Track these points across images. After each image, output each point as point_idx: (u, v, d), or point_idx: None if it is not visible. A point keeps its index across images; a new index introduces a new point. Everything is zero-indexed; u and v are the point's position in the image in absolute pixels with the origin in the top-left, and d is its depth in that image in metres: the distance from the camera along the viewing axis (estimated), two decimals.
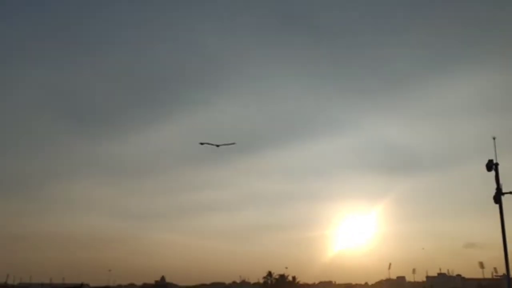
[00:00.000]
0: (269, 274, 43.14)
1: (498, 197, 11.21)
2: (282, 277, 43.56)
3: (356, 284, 42.53)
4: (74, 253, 45.65)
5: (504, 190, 11.22)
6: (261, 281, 43.69)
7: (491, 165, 11.18)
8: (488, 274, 39.28)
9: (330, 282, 44.35)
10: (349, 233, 46.05)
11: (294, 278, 43.42)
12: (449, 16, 53.79)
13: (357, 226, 45.47)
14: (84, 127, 53.60)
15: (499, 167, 11.05)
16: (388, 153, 53.83)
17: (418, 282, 43.38)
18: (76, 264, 43.95)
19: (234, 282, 44.86)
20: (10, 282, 41.29)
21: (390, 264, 43.87)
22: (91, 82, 55.15)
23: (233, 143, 17.51)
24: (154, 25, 56.57)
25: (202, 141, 17.04)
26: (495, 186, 11.13)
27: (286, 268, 42.52)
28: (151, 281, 44.33)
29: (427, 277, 44.70)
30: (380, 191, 53.34)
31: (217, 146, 15.44)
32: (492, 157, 11.15)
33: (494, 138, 11.18)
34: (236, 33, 55.42)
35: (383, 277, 45.01)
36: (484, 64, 53.49)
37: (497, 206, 11.13)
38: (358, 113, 54.14)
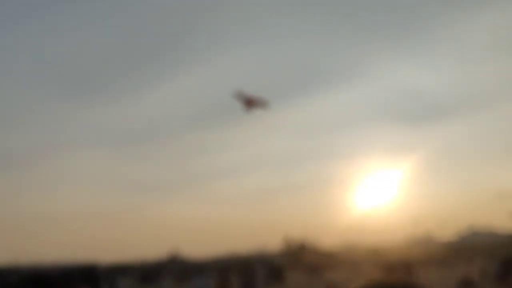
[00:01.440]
0: (287, 241, 40.77)
1: None
2: (302, 243, 41.12)
3: (383, 248, 39.92)
4: (80, 230, 42.80)
5: None
6: (280, 249, 41.33)
7: None
8: None
9: (354, 246, 41.78)
10: (373, 192, 42.73)
11: (314, 243, 40.93)
12: None
13: (380, 183, 42.06)
14: (79, 93, 49.44)
15: None
16: (411, 100, 49.37)
17: (448, 240, 40.81)
18: (83, 241, 41.21)
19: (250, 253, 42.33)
20: (18, 263, 39.23)
21: (415, 221, 41.21)
22: (84, 43, 50.19)
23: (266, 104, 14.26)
24: None
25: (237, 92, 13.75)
26: None
27: (305, 234, 39.88)
28: (163, 255, 41.88)
29: (458, 233, 42.08)
30: (403, 144, 49.48)
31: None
32: None
33: None
34: None
35: (411, 236, 42.39)
36: None
37: None
38: (375, 58, 49.27)
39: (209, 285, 18.89)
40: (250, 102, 13.23)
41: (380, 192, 46.16)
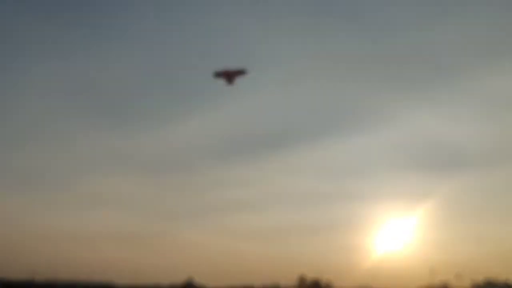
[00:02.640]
0: (302, 277, 40.91)
1: None
2: (316, 281, 41.22)
3: None
4: (100, 250, 44.10)
5: None
6: (293, 285, 41.45)
7: None
8: None
9: None
10: (388, 236, 43.08)
11: (328, 283, 41.00)
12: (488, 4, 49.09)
13: (397, 228, 42.45)
14: (110, 121, 51.71)
15: None
16: (430, 149, 50.09)
17: None
18: (102, 262, 42.37)
19: (264, 286, 42.63)
20: (36, 279, 40.38)
21: (432, 269, 41.10)
22: (117, 74, 52.85)
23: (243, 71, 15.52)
24: (180, 14, 53.95)
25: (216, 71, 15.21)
26: None
27: (320, 272, 40.08)
28: (178, 281, 42.56)
29: (473, 283, 41.77)
30: (422, 191, 49.76)
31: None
32: None
33: None
34: (262, 19, 52.07)
35: (425, 283, 42.20)
36: None
37: None
38: (396, 106, 50.27)
39: None
40: (229, 75, 14.39)
41: (397, 237, 46.41)
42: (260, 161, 48.10)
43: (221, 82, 14.45)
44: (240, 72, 14.76)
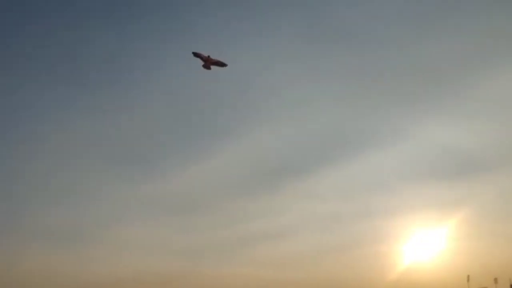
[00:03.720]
0: None
1: None
2: None
3: None
4: None
5: None
6: None
7: None
8: None
9: None
10: (419, 247, 42.64)
11: None
12: (492, 9, 49.87)
13: (427, 239, 42.09)
14: (132, 168, 53.22)
15: None
16: (448, 158, 50.06)
17: None
18: None
19: None
20: None
21: (468, 277, 40.32)
22: (134, 124, 54.78)
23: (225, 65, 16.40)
24: (185, 57, 55.49)
25: (194, 51, 16.15)
26: None
27: None
28: None
29: None
30: (446, 200, 49.49)
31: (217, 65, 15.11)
32: None
33: None
34: (268, 56, 53.67)
35: None
36: None
37: None
38: (406, 119, 50.68)
39: None
40: (208, 61, 15.05)
41: (428, 248, 45.85)
42: (282, 190, 48.68)
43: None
44: (220, 64, 15.55)
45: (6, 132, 58.37)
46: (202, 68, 15.25)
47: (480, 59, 52.81)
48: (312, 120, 55.83)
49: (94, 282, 44.58)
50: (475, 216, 45.63)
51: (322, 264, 48.95)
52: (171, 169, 54.41)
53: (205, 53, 15.16)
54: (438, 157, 53.44)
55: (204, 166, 51.14)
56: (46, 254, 47.97)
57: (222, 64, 15.70)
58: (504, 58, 52.23)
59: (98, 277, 46.67)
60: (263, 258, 49.10)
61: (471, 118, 50.75)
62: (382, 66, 55.24)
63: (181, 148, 57.56)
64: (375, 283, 45.31)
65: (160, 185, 54.19)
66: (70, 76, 57.48)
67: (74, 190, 54.97)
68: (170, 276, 48.24)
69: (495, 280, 40.59)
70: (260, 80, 55.56)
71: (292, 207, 52.33)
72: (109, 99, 58.21)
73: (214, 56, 15.17)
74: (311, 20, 52.12)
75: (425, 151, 54.32)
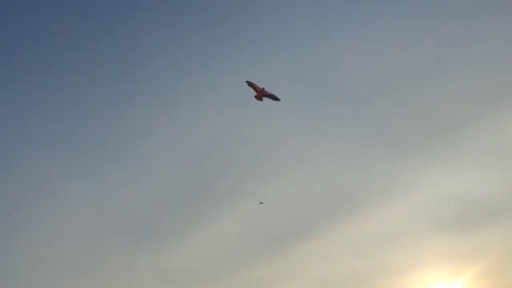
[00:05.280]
0: None
1: None
2: None
3: None
4: None
5: None
6: None
7: None
8: None
9: None
10: None
11: None
12: (486, 50, 49.90)
13: None
14: (134, 240, 51.72)
15: None
16: (459, 209, 48.32)
17: None
18: None
19: None
20: None
21: None
22: (134, 195, 53.40)
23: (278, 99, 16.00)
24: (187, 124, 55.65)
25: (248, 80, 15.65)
26: None
27: None
28: None
29: None
30: (461, 252, 46.99)
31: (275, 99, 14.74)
32: None
33: None
34: (267, 115, 53.15)
35: None
36: None
37: None
38: (415, 172, 49.50)
39: None
40: (261, 92, 14.55)
41: None
42: (293, 252, 46.91)
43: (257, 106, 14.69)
44: (273, 97, 15.15)
45: None
46: (255, 100, 14.98)
47: (486, 103, 52.05)
48: (316, 177, 54.34)
49: None
50: (491, 268, 43.53)
51: None
52: (170, 239, 52.58)
53: (260, 86, 14.98)
54: (449, 209, 51.37)
55: (204, 234, 49.31)
56: None
57: (275, 98, 15.40)
58: (505, 101, 51.57)
59: None
60: None
61: (481, 167, 49.28)
62: (386, 119, 54.50)
63: (181, 216, 55.90)
64: None
65: (160, 257, 52.03)
66: (60, 137, 56.74)
67: (68, 263, 52.70)
68: None
69: None
70: (267, 141, 54.77)
71: (301, 271, 49.85)
72: (113, 167, 57.04)
73: (268, 89, 14.97)
74: (312, 76, 52.36)
75: (435, 203, 52.33)
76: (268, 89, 16.39)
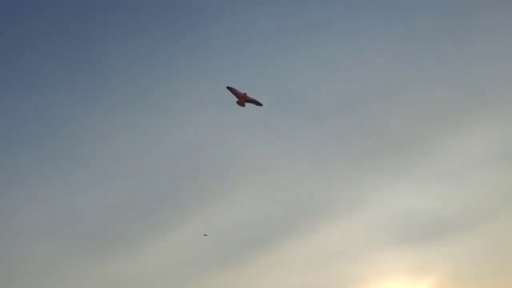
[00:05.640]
0: None
1: None
2: None
3: None
4: None
5: None
6: None
7: None
8: None
9: None
10: None
11: None
12: (450, 68, 51.47)
13: None
14: (89, 247, 50.17)
15: None
16: (415, 222, 49.65)
17: None
18: None
19: None
20: None
21: None
22: (90, 199, 52.04)
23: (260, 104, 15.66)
24: (154, 130, 54.71)
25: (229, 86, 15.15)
26: None
27: None
28: None
29: None
30: (417, 263, 48.36)
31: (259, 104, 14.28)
32: None
33: None
34: (230, 125, 53.09)
35: None
36: (501, 111, 50.60)
37: None
38: (374, 185, 50.50)
39: None
40: (243, 98, 14.16)
41: None
42: (249, 263, 46.92)
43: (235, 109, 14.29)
44: (256, 102, 14.72)
45: None
46: (236, 105, 14.49)
47: (447, 119, 53.62)
48: (278, 189, 54.84)
49: None
50: (446, 279, 44.77)
51: None
52: (125, 247, 51.36)
53: (242, 92, 14.48)
54: (406, 222, 52.75)
55: (160, 243, 48.40)
56: None
57: (257, 103, 14.93)
58: (473, 116, 53.14)
59: None
60: None
61: (437, 184, 50.84)
62: (347, 133, 55.38)
63: (136, 224, 54.79)
64: None
65: (112, 265, 50.68)
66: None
67: (28, 270, 51.02)
68: None
69: None
70: (226, 150, 54.66)
71: (261, 280, 49.89)
72: (68, 171, 55.48)
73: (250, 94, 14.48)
74: (274, 87, 52.70)
75: (393, 216, 53.66)
76: (250, 94, 15.95)
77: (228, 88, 15.82)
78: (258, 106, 16.15)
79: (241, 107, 15.84)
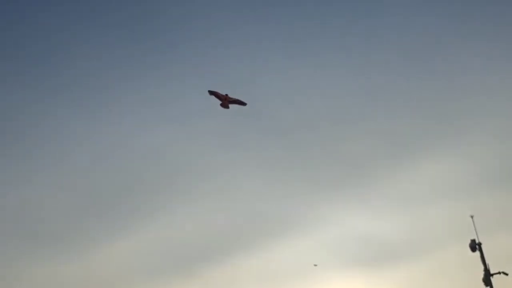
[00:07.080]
0: None
1: (487, 279, 10.46)
2: None
3: None
4: None
5: (492, 271, 10.50)
6: None
7: (475, 245, 10.53)
8: None
9: None
10: None
11: None
12: (408, 99, 53.82)
13: None
14: (40, 247, 49.96)
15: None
16: (365, 245, 51.36)
17: None
18: None
19: None
20: None
21: None
22: (44, 196, 51.97)
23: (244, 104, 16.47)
24: (111, 134, 55.24)
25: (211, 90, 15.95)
26: (481, 268, 10.41)
27: None
28: None
29: None
30: (363, 286, 50.35)
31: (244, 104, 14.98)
32: (473, 237, 10.55)
33: (472, 217, 10.66)
34: (192, 136, 53.99)
35: None
36: (453, 144, 53.45)
37: None
38: (329, 207, 51.95)
39: None
40: (226, 100, 14.69)
41: None
42: (197, 276, 47.40)
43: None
44: (240, 102, 15.31)
45: None
46: (220, 107, 15.09)
47: (408, 148, 55.71)
48: (232, 201, 55.61)
49: None
50: None
51: None
52: (84, 249, 51.39)
53: (223, 94, 15.11)
54: (358, 245, 54.32)
55: (113, 247, 48.53)
56: None
57: (241, 103, 15.55)
58: (430, 148, 55.45)
59: None
60: None
61: (391, 208, 52.83)
62: (307, 152, 57.02)
63: (95, 226, 54.75)
64: None
65: (73, 266, 50.60)
66: None
67: None
68: None
69: None
70: (181, 160, 55.17)
71: None
72: (23, 165, 54.97)
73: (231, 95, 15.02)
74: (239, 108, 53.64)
75: (345, 239, 55.22)
76: (232, 95, 16.56)
77: (210, 92, 16.61)
78: (242, 106, 16.86)
79: (225, 109, 16.58)
